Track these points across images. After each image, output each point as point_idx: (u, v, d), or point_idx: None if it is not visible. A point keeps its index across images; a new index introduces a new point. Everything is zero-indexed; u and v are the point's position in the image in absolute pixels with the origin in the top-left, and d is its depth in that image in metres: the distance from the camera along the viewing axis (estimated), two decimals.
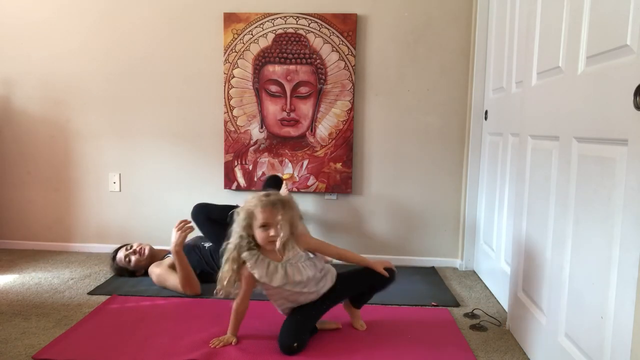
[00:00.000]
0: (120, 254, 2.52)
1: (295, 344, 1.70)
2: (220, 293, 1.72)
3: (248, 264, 1.70)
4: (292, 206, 1.73)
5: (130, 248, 2.53)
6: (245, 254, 1.70)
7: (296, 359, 1.68)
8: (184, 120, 2.97)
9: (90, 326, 1.92)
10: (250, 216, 1.69)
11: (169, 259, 2.42)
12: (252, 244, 1.72)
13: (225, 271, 1.71)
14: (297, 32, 2.82)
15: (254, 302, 2.17)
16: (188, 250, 2.48)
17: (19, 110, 3.03)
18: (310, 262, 1.77)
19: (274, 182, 2.64)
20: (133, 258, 2.48)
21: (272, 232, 1.66)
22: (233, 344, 1.76)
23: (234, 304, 1.79)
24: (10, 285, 2.41)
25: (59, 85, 2.99)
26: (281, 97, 2.87)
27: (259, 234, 1.69)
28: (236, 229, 1.72)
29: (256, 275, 1.70)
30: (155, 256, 2.53)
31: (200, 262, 2.42)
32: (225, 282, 1.70)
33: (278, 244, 1.68)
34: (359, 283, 1.90)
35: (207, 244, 2.50)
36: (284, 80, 2.86)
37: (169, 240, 3.04)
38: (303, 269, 1.73)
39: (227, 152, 2.93)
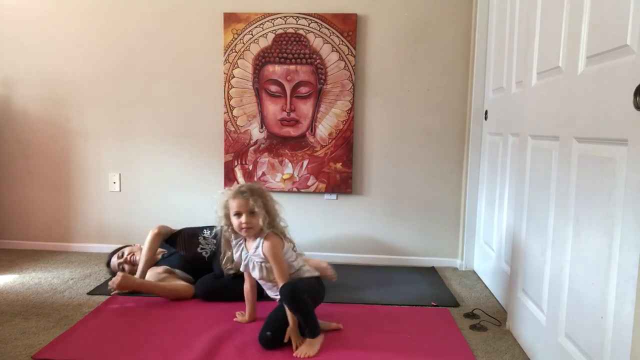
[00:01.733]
0: (114, 261, 2.51)
1: (268, 333, 1.75)
2: (227, 273, 2.00)
3: (233, 247, 1.91)
4: (262, 194, 1.83)
5: (122, 256, 2.49)
6: (232, 238, 1.91)
7: (296, 357, 1.68)
8: (184, 120, 2.97)
9: (90, 326, 1.92)
10: (225, 206, 1.85)
11: (163, 267, 2.37)
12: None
13: (222, 255, 1.96)
14: (297, 32, 2.82)
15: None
16: (188, 265, 2.38)
17: (19, 110, 3.03)
18: (263, 266, 1.84)
19: None
20: (126, 267, 2.47)
21: (243, 219, 1.79)
22: (241, 321, 1.99)
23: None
24: (10, 285, 2.41)
25: (58, 85, 2.99)
26: (281, 97, 2.87)
27: (233, 222, 1.83)
28: (219, 221, 1.89)
29: (235, 257, 1.92)
30: (150, 260, 2.44)
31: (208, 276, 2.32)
32: (222, 263, 1.96)
33: (250, 232, 1.82)
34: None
35: (205, 253, 2.40)
36: (284, 80, 2.86)
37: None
38: (256, 268, 1.86)
39: (227, 152, 2.93)
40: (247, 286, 1.99)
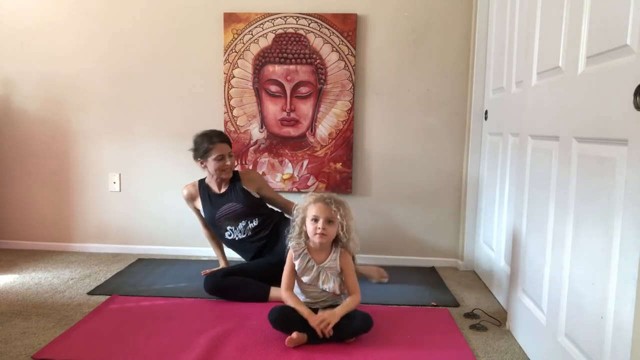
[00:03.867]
0: (211, 162, 2.35)
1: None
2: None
3: (293, 253, 1.88)
4: (345, 207, 1.85)
5: (222, 158, 2.34)
6: (293, 243, 1.90)
7: (296, 358, 1.69)
8: (184, 120, 2.96)
9: (90, 326, 1.92)
10: (303, 210, 1.87)
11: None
12: (303, 238, 1.90)
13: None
14: (297, 32, 2.82)
15: (252, 304, 2.17)
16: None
17: (19, 110, 3.03)
18: (339, 280, 1.88)
19: None
20: (225, 174, 2.40)
21: (319, 225, 1.80)
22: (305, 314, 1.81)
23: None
24: (10, 285, 2.41)
25: (58, 85, 2.99)
26: (281, 97, 2.87)
27: (308, 227, 1.84)
28: (294, 222, 1.92)
29: (296, 265, 1.88)
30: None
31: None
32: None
33: (323, 239, 1.82)
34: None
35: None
36: (284, 80, 2.86)
37: (169, 240, 3.06)
38: (331, 281, 1.86)
39: None
40: (290, 293, 1.89)
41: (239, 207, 2.41)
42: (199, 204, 2.50)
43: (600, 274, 1.27)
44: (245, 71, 2.88)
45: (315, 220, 1.82)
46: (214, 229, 2.49)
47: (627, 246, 1.15)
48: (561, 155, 1.52)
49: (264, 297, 2.20)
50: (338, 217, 1.82)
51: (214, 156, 2.33)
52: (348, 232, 1.86)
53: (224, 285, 2.21)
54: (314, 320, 1.76)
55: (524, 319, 1.81)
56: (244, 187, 2.44)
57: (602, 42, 1.30)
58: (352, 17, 2.79)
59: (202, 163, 2.40)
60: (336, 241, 1.90)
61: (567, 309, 1.47)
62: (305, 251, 1.88)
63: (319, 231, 1.81)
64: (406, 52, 2.82)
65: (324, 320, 1.75)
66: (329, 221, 1.82)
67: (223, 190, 2.45)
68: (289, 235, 1.94)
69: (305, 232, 1.88)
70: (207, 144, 2.34)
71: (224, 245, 2.59)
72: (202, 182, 2.51)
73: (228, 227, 2.42)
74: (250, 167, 2.92)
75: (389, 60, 2.84)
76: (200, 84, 2.93)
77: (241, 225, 2.41)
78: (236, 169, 2.72)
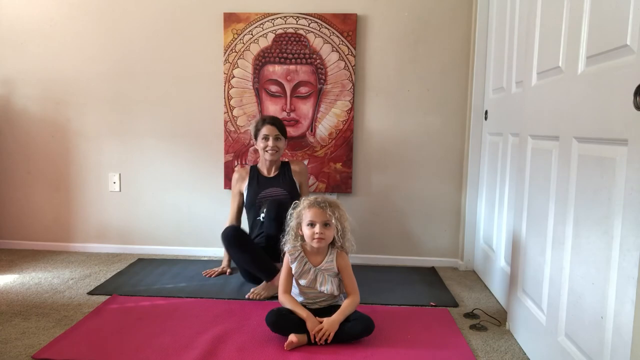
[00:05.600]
0: (260, 141, 2.51)
1: None
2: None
3: (289, 257, 1.89)
4: (339, 209, 1.86)
5: (267, 139, 2.48)
6: (289, 247, 1.90)
7: (296, 358, 1.69)
8: (184, 120, 2.97)
9: (90, 326, 1.92)
10: (298, 216, 1.88)
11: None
12: (299, 243, 1.90)
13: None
14: (297, 32, 2.82)
15: (251, 302, 2.17)
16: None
17: (19, 110, 3.03)
18: (336, 280, 1.89)
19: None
20: (268, 155, 2.50)
21: (316, 230, 1.81)
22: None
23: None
24: (10, 285, 2.41)
25: (59, 85, 2.99)
26: (281, 97, 2.87)
27: (305, 232, 1.85)
28: (289, 227, 1.93)
29: (292, 269, 1.88)
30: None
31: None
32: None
33: (321, 243, 1.83)
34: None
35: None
36: (284, 80, 2.86)
37: (169, 240, 3.06)
38: (329, 282, 1.86)
39: (227, 152, 2.93)
40: (288, 296, 1.89)
41: (284, 193, 2.52)
42: (244, 186, 2.58)
43: (600, 274, 1.27)
44: (245, 71, 2.88)
45: (312, 225, 1.83)
46: (251, 209, 2.54)
47: (627, 246, 1.15)
48: (561, 155, 1.52)
49: (272, 271, 2.25)
50: (333, 220, 1.83)
51: (261, 135, 2.50)
52: (344, 234, 1.88)
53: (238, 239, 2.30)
54: (312, 326, 1.77)
55: (524, 319, 1.81)
56: (294, 178, 2.59)
57: (602, 42, 1.30)
58: (352, 17, 2.79)
59: (255, 143, 2.58)
60: (332, 242, 1.90)
61: (567, 309, 1.47)
62: (302, 254, 1.89)
63: (316, 236, 1.82)
64: (406, 52, 2.82)
65: (324, 331, 1.75)
66: (325, 224, 1.83)
67: (273, 174, 2.58)
68: (284, 240, 1.94)
69: (301, 235, 1.89)
70: (259, 124, 2.52)
71: None
72: (253, 167, 2.63)
73: (264, 209, 2.48)
74: None
75: (389, 60, 2.84)
76: (200, 84, 2.93)
77: None
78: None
